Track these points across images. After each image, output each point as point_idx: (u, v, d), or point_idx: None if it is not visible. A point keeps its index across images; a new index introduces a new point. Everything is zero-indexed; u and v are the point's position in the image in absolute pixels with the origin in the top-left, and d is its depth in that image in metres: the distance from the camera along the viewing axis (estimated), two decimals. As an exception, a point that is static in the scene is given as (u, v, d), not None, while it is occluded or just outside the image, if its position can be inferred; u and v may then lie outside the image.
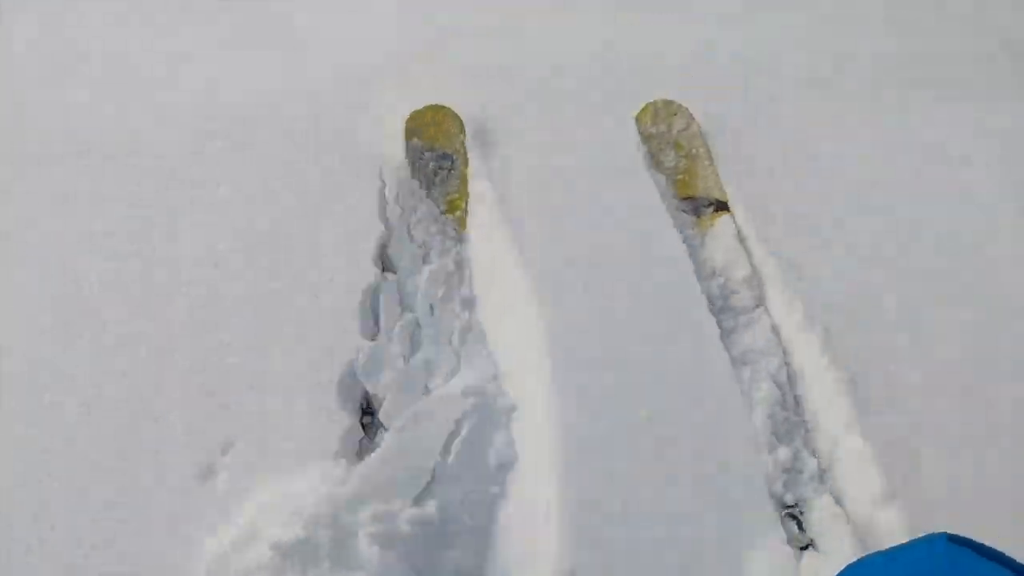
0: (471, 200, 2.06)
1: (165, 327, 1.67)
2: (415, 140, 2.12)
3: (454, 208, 2.05)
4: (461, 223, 2.03)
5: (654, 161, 2.22)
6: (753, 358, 1.79)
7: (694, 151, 2.21)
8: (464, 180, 2.09)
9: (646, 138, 2.27)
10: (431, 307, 1.82)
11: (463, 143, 2.14)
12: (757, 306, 1.91)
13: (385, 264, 1.86)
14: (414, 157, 2.09)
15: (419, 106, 2.17)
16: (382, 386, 1.63)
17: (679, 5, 2.81)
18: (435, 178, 2.06)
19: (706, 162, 2.18)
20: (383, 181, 2.01)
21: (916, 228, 2.06)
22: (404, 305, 1.81)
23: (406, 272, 1.87)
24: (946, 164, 2.27)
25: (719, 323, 1.83)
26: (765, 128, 2.31)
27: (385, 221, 1.93)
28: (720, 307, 1.89)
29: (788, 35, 2.72)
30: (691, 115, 2.28)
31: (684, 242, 1.99)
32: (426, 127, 2.14)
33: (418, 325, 1.79)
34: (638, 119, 2.30)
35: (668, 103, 2.31)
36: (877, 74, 2.59)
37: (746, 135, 2.27)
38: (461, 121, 2.16)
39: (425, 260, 1.92)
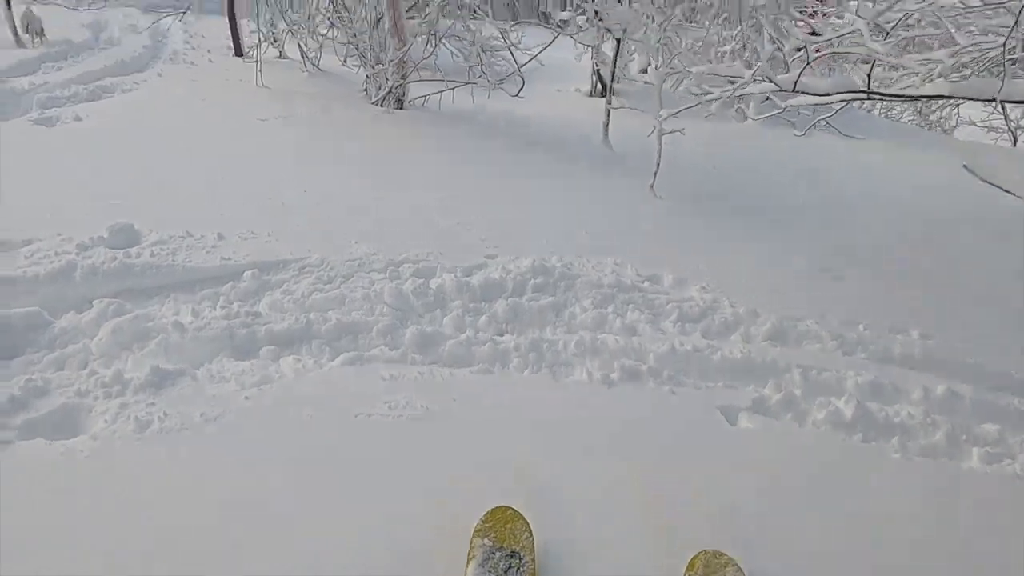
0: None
1: None
2: (486, 540, 2.26)
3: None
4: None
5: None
6: None
7: (745, 606, 2.23)
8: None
9: (696, 585, 2.30)
10: None
11: (531, 543, 2.27)
12: None
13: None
14: (486, 555, 2.21)
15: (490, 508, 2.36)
16: None
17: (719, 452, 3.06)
18: (505, 574, 2.16)
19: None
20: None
21: None
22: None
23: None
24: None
25: None
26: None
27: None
28: None
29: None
30: (739, 568, 2.36)
31: None
32: (496, 527, 2.30)
33: None
34: (688, 567, 2.37)
35: (718, 554, 2.41)
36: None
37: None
38: (528, 523, 2.33)
39: None
